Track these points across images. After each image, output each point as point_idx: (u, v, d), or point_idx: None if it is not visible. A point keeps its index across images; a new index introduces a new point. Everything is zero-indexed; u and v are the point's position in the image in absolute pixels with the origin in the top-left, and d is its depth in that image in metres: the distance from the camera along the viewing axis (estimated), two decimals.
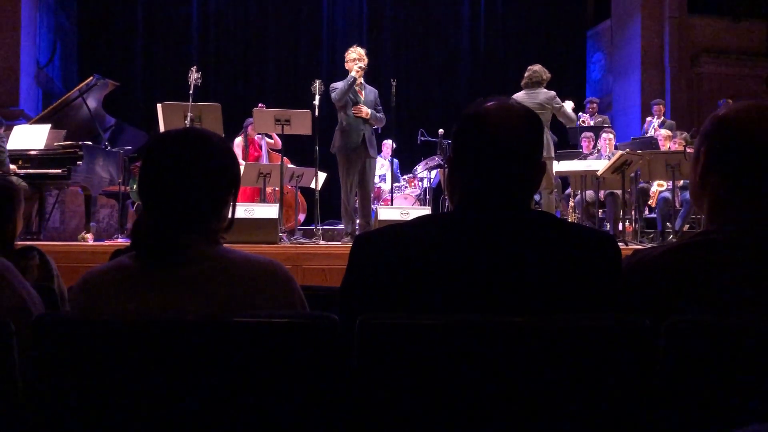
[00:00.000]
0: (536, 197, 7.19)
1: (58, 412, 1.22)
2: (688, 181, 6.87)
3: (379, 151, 7.83)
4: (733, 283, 1.25)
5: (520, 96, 6.16)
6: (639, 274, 1.33)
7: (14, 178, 5.60)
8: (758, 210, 1.32)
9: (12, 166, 5.78)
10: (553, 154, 6.31)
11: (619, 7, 11.44)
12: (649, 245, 4.29)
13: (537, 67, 6.32)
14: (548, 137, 6.22)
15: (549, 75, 6.33)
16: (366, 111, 5.96)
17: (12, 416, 1.27)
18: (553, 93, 6.23)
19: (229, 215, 1.44)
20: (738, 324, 1.18)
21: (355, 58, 5.98)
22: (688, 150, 6.71)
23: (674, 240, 6.17)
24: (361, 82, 6.04)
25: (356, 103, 5.97)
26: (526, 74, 6.33)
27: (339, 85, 5.97)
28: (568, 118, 6.44)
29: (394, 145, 8.29)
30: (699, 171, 1.39)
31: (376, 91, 6.22)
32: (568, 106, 6.42)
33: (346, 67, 6.07)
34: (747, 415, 1.13)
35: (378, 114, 6.10)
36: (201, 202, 1.36)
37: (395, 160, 8.76)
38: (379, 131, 6.43)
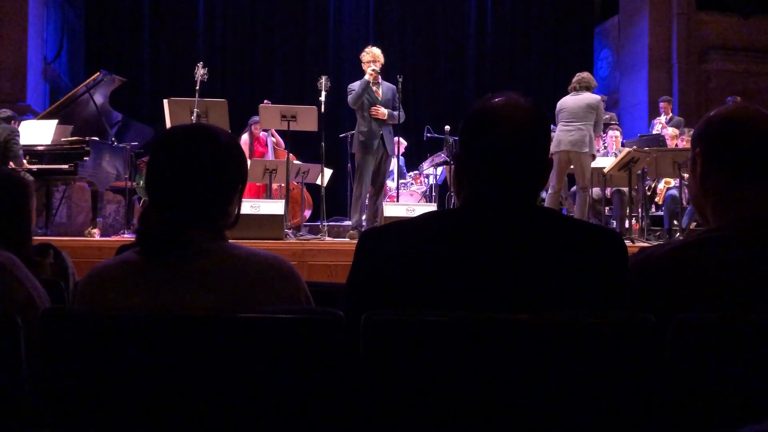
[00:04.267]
0: (543, 194, 7.19)
1: (64, 405, 1.22)
2: None
3: None
4: (741, 281, 1.25)
5: (565, 98, 6.48)
6: (645, 272, 1.33)
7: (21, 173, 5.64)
8: (762, 205, 1.32)
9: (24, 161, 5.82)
10: (587, 150, 6.39)
11: (627, 4, 11.38)
12: (656, 243, 4.28)
13: (585, 74, 6.64)
14: (590, 134, 6.37)
15: (596, 84, 6.66)
16: (383, 112, 5.98)
17: (19, 409, 1.27)
18: (598, 97, 6.52)
19: (236, 211, 1.44)
20: (745, 322, 1.17)
21: (369, 60, 5.99)
22: None
23: (681, 237, 6.15)
24: (378, 81, 6.04)
25: (373, 103, 5.98)
26: (574, 79, 6.59)
27: (355, 87, 5.99)
28: (599, 128, 6.68)
29: (404, 143, 8.30)
30: (699, 173, 1.40)
31: (394, 87, 6.20)
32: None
33: (363, 68, 6.08)
34: (755, 413, 1.12)
35: (395, 113, 6.10)
36: (208, 197, 1.35)
37: (402, 158, 8.76)
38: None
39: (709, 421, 1.16)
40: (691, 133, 7.40)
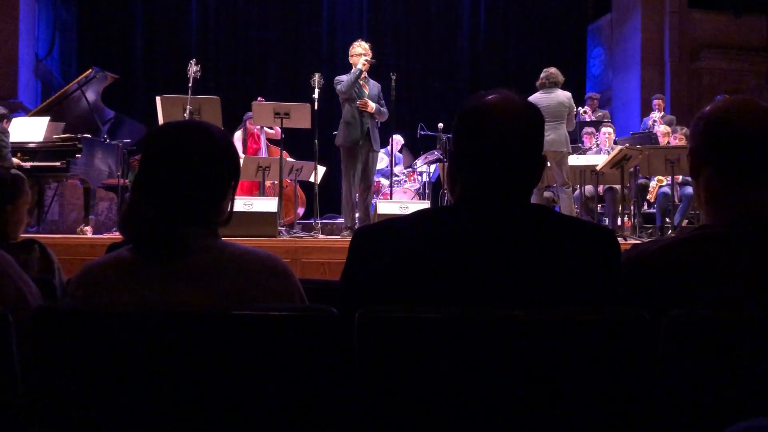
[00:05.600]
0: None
1: (57, 403, 1.22)
2: (686, 177, 6.89)
3: (386, 145, 7.82)
4: (733, 277, 1.25)
5: (537, 97, 6.34)
6: (638, 269, 1.33)
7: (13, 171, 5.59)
8: (753, 202, 1.32)
9: (14, 160, 5.77)
10: (565, 149, 6.39)
11: (620, 2, 11.41)
12: (648, 240, 4.30)
13: (552, 69, 6.53)
14: (566, 132, 6.36)
15: (563, 78, 6.56)
16: (371, 105, 5.97)
17: (11, 407, 1.27)
18: (569, 93, 6.41)
19: (229, 208, 1.43)
20: (737, 318, 1.18)
21: (361, 52, 5.99)
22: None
23: (673, 235, 6.18)
24: (365, 77, 6.04)
25: (360, 96, 5.97)
26: (542, 75, 6.51)
27: (344, 78, 5.97)
28: (571, 123, 6.65)
29: (401, 141, 8.28)
30: (691, 170, 1.41)
31: (380, 85, 6.23)
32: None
33: (351, 62, 6.07)
34: (747, 408, 1.13)
35: (382, 108, 6.11)
36: (201, 194, 1.35)
37: (401, 156, 8.77)
38: (379, 125, 6.43)
39: (702, 418, 1.16)
40: (684, 131, 7.47)
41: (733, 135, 1.33)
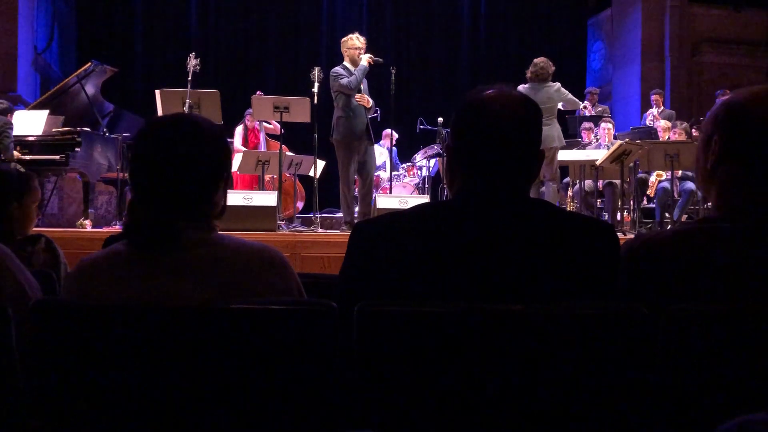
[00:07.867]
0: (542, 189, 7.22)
1: (56, 396, 1.22)
2: (686, 172, 6.88)
3: (378, 140, 7.81)
4: (738, 272, 1.24)
5: (524, 89, 6.23)
6: (644, 258, 1.31)
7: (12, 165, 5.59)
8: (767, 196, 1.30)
9: (15, 153, 5.76)
10: (557, 144, 6.37)
11: None
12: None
13: (542, 61, 6.36)
14: (558, 127, 6.32)
15: (553, 68, 6.41)
16: (368, 100, 5.94)
17: (10, 400, 1.27)
18: (557, 84, 6.32)
19: (221, 201, 1.42)
20: (736, 312, 1.18)
21: (359, 46, 5.92)
22: (694, 134, 6.76)
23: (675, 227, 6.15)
24: None
25: (359, 91, 5.94)
26: (531, 68, 6.38)
27: (342, 72, 5.89)
28: (573, 103, 6.58)
29: (396, 135, 8.24)
30: (712, 159, 1.36)
31: (366, 80, 6.20)
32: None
33: (345, 54, 5.98)
34: (749, 403, 1.13)
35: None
36: (191, 187, 1.34)
37: (394, 149, 8.75)
38: (378, 119, 6.41)
39: (701, 412, 1.16)
40: (684, 125, 7.42)
41: (761, 125, 1.31)
